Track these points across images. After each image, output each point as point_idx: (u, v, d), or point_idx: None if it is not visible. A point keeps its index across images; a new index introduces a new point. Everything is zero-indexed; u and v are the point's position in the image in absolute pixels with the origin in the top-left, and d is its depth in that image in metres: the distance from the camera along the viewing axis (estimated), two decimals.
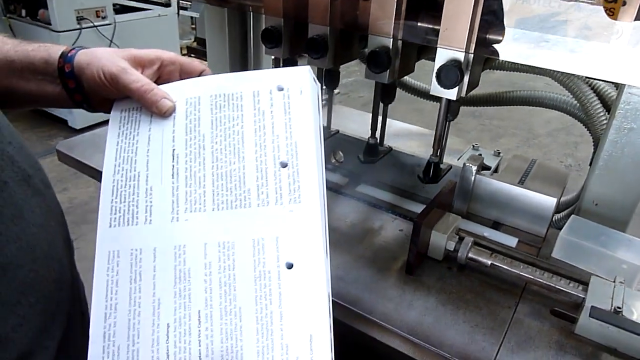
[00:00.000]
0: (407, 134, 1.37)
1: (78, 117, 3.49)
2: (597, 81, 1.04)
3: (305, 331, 0.48)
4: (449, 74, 0.75)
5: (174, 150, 0.57)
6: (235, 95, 0.58)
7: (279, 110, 0.57)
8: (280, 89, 0.58)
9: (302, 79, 0.58)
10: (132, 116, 0.60)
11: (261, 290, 0.50)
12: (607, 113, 1.02)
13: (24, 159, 0.51)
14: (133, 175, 0.56)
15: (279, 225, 0.52)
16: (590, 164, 1.03)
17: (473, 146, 1.20)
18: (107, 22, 3.42)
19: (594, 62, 0.71)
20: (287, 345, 0.47)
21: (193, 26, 5.21)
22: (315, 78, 0.60)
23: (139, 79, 0.58)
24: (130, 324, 0.50)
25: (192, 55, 5.11)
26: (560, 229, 1.04)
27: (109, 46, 3.53)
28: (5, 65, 0.60)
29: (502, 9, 0.72)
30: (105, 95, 0.60)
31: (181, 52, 4.44)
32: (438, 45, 0.76)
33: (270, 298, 0.49)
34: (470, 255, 0.79)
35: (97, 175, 1.06)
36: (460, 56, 0.75)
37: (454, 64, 0.74)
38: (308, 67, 0.59)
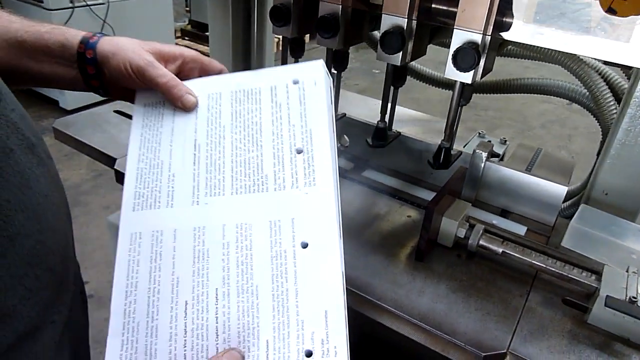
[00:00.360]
0: (410, 119, 1.35)
1: (69, 98, 3.42)
2: (608, 71, 1.03)
3: (320, 307, 0.49)
4: (466, 56, 0.72)
5: (195, 140, 0.60)
6: (254, 90, 0.61)
7: (295, 102, 0.60)
8: (296, 82, 0.61)
9: (316, 71, 0.61)
10: (155, 109, 0.64)
11: (277, 269, 0.51)
12: (617, 103, 1.01)
13: (27, 128, 0.48)
14: (157, 164, 0.59)
15: (295, 207, 0.54)
16: (598, 154, 1.02)
17: (479, 133, 1.19)
18: (100, 1, 3.35)
19: (615, 46, 0.70)
20: (303, 321, 0.48)
21: (187, 9, 5.12)
22: (328, 72, 0.63)
23: (165, 74, 0.60)
24: (149, 301, 0.51)
25: (186, 38, 5.03)
26: (566, 217, 1.04)
27: (102, 27, 3.46)
28: (15, 44, 0.61)
29: None
30: (126, 86, 0.62)
31: (175, 35, 4.36)
32: (455, 27, 0.74)
33: (286, 276, 0.50)
34: (481, 242, 0.77)
35: (93, 153, 1.03)
36: (478, 38, 0.73)
37: (471, 46, 0.72)
38: (321, 60, 0.62)
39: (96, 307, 2.07)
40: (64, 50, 0.61)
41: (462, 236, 0.79)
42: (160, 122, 0.62)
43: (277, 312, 0.49)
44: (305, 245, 0.52)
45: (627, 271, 0.73)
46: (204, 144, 0.60)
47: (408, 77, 1.01)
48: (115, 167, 0.94)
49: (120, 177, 0.94)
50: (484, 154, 0.89)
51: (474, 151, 0.90)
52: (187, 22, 5.13)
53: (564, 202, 1.10)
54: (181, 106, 0.61)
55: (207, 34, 4.90)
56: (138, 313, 0.51)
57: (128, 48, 0.60)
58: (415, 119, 1.41)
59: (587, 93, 1.06)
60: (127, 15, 3.56)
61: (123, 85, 0.62)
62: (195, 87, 0.63)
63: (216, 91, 0.63)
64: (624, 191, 0.88)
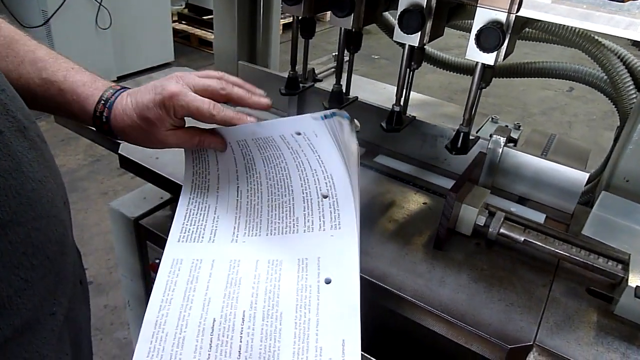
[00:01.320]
0: (418, 103, 1.32)
1: None
2: (629, 55, 0.99)
3: (338, 336, 0.53)
4: (490, 36, 0.69)
5: (237, 187, 0.68)
6: (269, 138, 0.66)
7: (308, 150, 0.66)
8: (298, 134, 0.65)
9: (314, 125, 0.65)
10: (202, 156, 0.70)
11: (301, 300, 0.56)
12: (636, 89, 0.98)
13: (18, 109, 0.45)
14: (204, 207, 0.68)
15: (321, 247, 0.61)
16: (616, 140, 0.99)
17: (492, 118, 1.16)
18: None
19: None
20: (322, 348, 0.52)
21: None
22: (348, 116, 0.70)
23: (202, 99, 0.62)
24: (180, 315, 0.56)
25: (183, 22, 4.95)
26: (583, 204, 1.01)
27: (98, 9, 3.39)
28: (46, 86, 0.65)
29: None
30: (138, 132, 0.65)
31: (172, 19, 4.28)
32: (479, 5, 0.70)
33: (309, 307, 0.56)
34: (502, 231, 0.75)
35: (97, 138, 1.00)
36: (503, 17, 0.69)
37: (496, 26, 0.69)
38: (320, 114, 0.65)
39: (95, 293, 2.05)
40: (83, 113, 0.66)
41: (482, 224, 0.76)
42: (207, 169, 0.70)
43: (297, 338, 0.53)
44: (328, 282, 0.57)
45: None
46: (245, 191, 0.68)
47: None
48: (119, 151, 0.91)
49: (124, 162, 0.90)
50: (502, 139, 0.86)
51: (491, 136, 0.87)
52: (183, 6, 5.05)
53: None
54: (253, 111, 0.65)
55: (204, 17, 4.82)
56: (168, 324, 0.55)
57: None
58: (424, 103, 1.38)
59: (606, 77, 1.03)
60: None
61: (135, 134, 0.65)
62: (224, 134, 0.68)
63: (242, 139, 0.67)
64: None
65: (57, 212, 0.48)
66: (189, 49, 4.73)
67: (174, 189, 0.82)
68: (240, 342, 0.53)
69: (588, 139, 3.77)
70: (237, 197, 0.67)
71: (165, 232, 1.01)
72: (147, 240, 1.09)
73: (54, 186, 0.49)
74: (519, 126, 1.12)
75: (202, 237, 0.64)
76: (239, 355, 0.52)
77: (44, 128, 3.04)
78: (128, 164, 0.90)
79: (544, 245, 0.73)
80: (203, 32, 4.73)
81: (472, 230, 0.78)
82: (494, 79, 0.91)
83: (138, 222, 1.07)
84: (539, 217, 0.86)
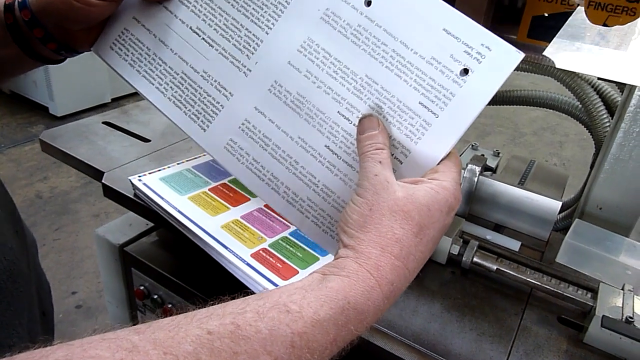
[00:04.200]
0: None
1: (59, 104, 3.39)
2: (601, 84, 1.02)
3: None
4: None
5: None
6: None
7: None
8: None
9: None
10: (126, 41, 0.59)
11: None
12: (610, 116, 1.01)
13: None
14: (181, 79, 0.57)
15: None
16: (592, 167, 1.01)
17: (472, 145, 1.18)
18: None
19: (608, 64, 0.69)
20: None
21: None
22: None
23: None
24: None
25: None
26: (559, 231, 1.03)
27: None
28: None
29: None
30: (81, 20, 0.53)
31: None
32: None
33: None
34: (475, 259, 0.76)
35: (81, 166, 1.01)
36: None
37: None
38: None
39: (85, 317, 2.04)
40: None
41: (456, 253, 0.78)
42: (145, 46, 0.58)
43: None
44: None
45: (622, 289, 0.72)
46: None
47: None
48: (103, 180, 0.92)
49: (108, 192, 0.92)
50: (478, 169, 0.88)
51: (467, 165, 0.89)
52: None
53: (559, 213, 1.10)
54: None
55: None
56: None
57: None
58: None
59: (580, 106, 1.06)
60: None
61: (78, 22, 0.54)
62: None
63: None
64: (618, 206, 0.87)
65: (4, 240, 0.48)
66: None
67: (157, 219, 0.83)
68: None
69: (579, 159, 3.80)
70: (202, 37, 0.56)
71: (151, 259, 1.03)
72: (132, 267, 1.09)
73: (2, 216, 0.49)
74: (498, 153, 1.14)
75: (217, 102, 0.55)
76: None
77: (35, 150, 3.07)
78: (111, 193, 0.92)
79: (516, 274, 0.74)
80: None
81: (447, 258, 0.79)
82: None
83: (123, 249, 1.08)
84: (514, 245, 0.87)
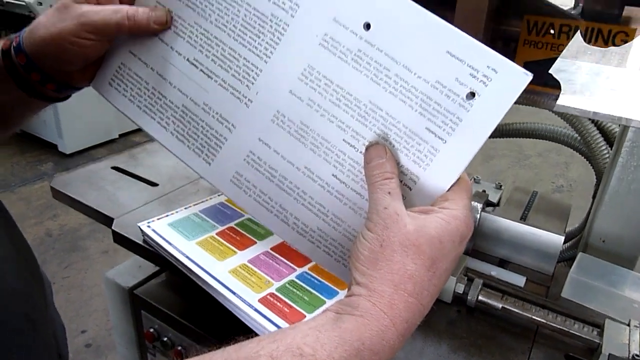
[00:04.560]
0: None
1: (68, 141, 3.45)
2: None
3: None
4: None
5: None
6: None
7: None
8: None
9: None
10: (124, 76, 0.60)
11: None
12: (609, 147, 1.02)
13: None
14: (182, 112, 0.57)
15: None
16: (594, 197, 1.02)
17: (474, 179, 1.20)
18: None
19: (602, 102, 0.71)
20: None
21: None
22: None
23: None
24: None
25: None
26: (565, 261, 1.03)
27: None
28: None
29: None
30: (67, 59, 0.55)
31: None
32: None
33: None
34: (480, 298, 0.77)
35: (91, 213, 1.04)
36: None
37: None
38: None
39: (95, 356, 2.04)
40: None
41: (461, 292, 0.79)
42: (142, 80, 0.59)
43: None
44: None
45: (628, 324, 0.72)
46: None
47: None
48: (112, 227, 0.94)
49: (118, 238, 0.94)
50: (480, 205, 0.89)
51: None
52: None
53: (564, 243, 1.11)
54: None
55: None
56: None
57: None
58: None
59: (579, 138, 1.07)
60: None
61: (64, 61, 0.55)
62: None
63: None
64: (621, 238, 0.88)
65: (21, 285, 0.49)
66: None
67: (166, 264, 0.85)
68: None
69: (585, 179, 3.79)
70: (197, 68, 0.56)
71: (160, 302, 1.04)
72: (142, 309, 1.11)
73: (19, 261, 0.51)
74: (500, 185, 1.15)
75: (221, 135, 0.55)
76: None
77: (45, 189, 3.11)
78: (121, 240, 0.94)
79: (521, 312, 0.75)
80: None
81: (453, 297, 0.80)
82: None
83: (133, 292, 1.09)
84: (520, 280, 0.88)
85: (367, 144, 0.48)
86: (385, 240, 0.41)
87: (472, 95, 0.44)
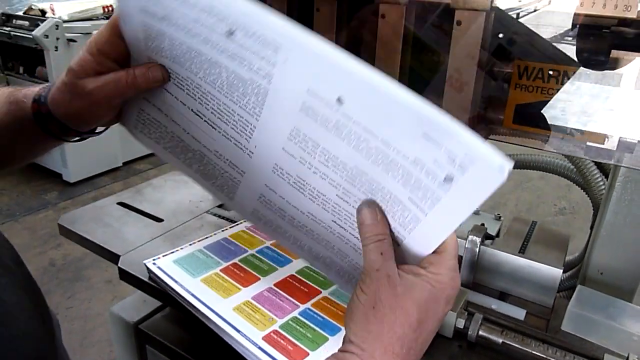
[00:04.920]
0: None
1: (73, 170, 3.48)
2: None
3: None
4: None
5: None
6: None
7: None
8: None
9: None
10: (145, 120, 0.64)
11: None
12: (604, 178, 1.04)
13: None
14: (200, 155, 0.61)
15: None
16: (591, 228, 1.04)
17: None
18: None
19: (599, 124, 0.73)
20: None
21: None
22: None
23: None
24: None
25: None
26: (567, 289, 1.05)
27: None
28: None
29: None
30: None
31: None
32: None
33: None
34: (480, 333, 0.78)
35: (98, 250, 1.05)
36: None
37: None
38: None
39: None
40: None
41: (462, 327, 0.80)
42: (164, 124, 0.63)
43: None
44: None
45: (627, 358, 0.73)
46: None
47: None
48: (119, 264, 0.96)
49: (124, 275, 0.95)
50: (478, 240, 0.91)
51: (468, 236, 0.92)
52: None
53: (564, 272, 1.12)
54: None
55: None
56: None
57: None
58: None
59: (574, 168, 1.10)
60: None
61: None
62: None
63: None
64: (618, 271, 0.89)
65: (32, 329, 0.51)
66: None
67: (171, 301, 0.86)
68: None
69: (587, 203, 3.79)
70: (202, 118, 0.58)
71: (166, 337, 1.05)
72: (146, 344, 1.12)
73: (30, 305, 0.53)
74: (499, 217, 1.17)
75: (234, 177, 0.60)
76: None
77: (49, 217, 3.13)
78: (127, 277, 0.95)
79: (521, 347, 0.76)
80: None
81: (453, 332, 0.81)
82: None
83: (138, 327, 1.11)
84: (520, 313, 0.89)
85: (358, 201, 0.49)
86: (378, 304, 0.45)
87: (450, 179, 0.42)
